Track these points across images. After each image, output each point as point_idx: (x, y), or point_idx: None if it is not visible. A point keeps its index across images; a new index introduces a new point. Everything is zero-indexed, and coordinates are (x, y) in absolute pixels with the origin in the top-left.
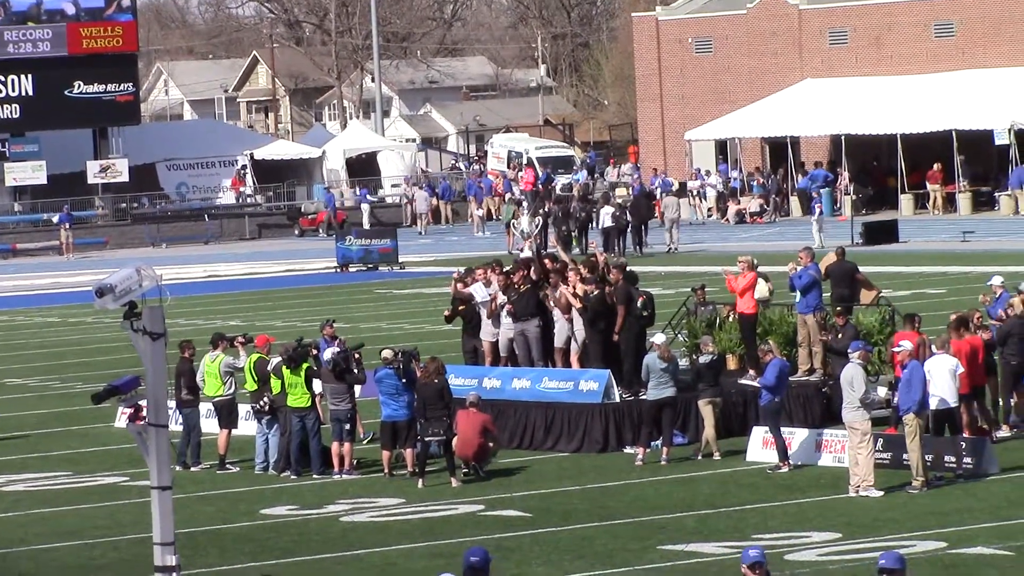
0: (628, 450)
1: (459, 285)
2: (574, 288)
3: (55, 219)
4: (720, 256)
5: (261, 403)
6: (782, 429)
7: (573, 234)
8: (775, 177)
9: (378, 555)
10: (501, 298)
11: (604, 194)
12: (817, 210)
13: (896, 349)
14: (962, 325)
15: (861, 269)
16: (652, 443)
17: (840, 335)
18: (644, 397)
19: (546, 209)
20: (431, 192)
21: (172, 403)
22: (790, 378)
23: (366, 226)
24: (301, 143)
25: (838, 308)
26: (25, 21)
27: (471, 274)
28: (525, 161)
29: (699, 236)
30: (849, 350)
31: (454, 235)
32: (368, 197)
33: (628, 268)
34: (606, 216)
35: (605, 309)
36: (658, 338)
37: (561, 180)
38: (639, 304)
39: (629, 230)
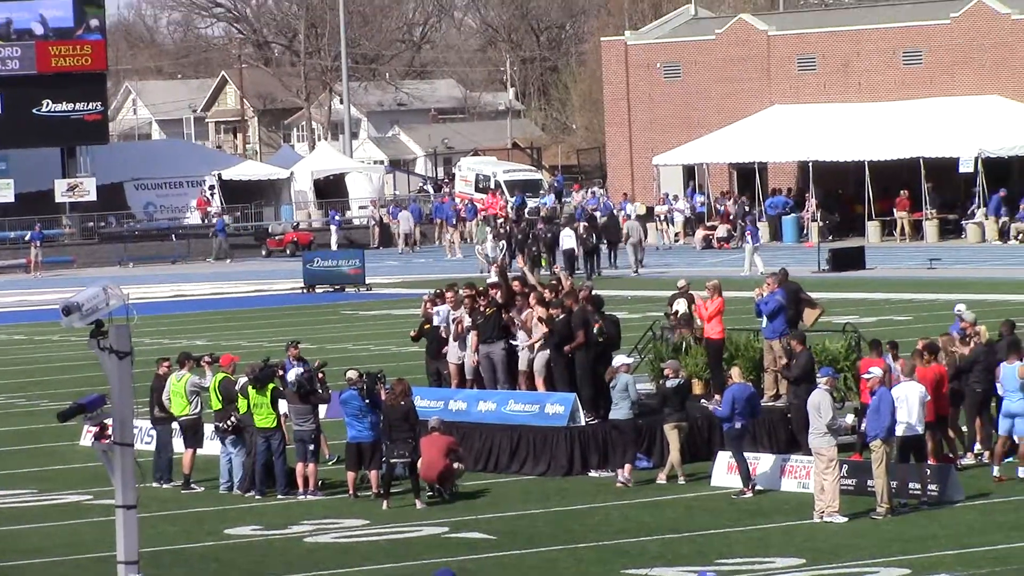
0: (593, 474)
1: (428, 305)
2: (538, 313)
3: (27, 237)
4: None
5: (227, 422)
6: (747, 455)
7: (542, 255)
8: (742, 202)
9: None
10: (467, 320)
11: (567, 217)
12: (750, 238)
13: (865, 376)
14: (928, 352)
15: (829, 296)
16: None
17: (795, 361)
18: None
19: (508, 230)
20: (418, 214)
21: (145, 422)
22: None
23: (334, 247)
24: (269, 164)
25: (793, 334)
26: None
27: (442, 296)
28: (492, 184)
29: (666, 260)
30: (819, 375)
31: (421, 257)
32: (337, 219)
33: (593, 292)
34: (567, 238)
35: (570, 333)
36: (616, 360)
37: (529, 203)
38: (595, 330)
39: (593, 253)
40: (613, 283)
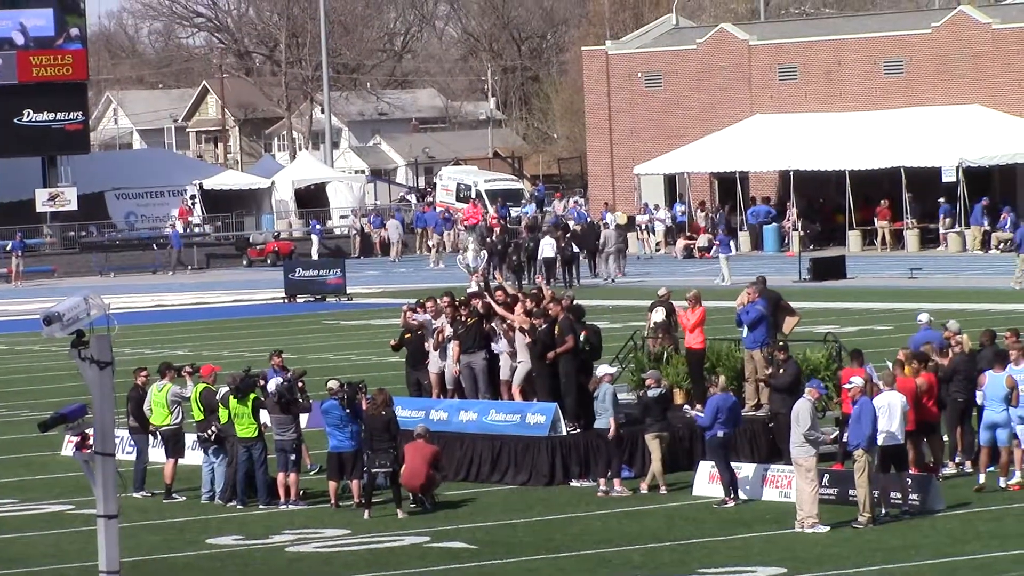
0: (574, 483)
1: (409, 315)
2: (520, 323)
3: (8, 246)
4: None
5: (208, 432)
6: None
7: (523, 264)
8: (723, 212)
9: None
10: (448, 330)
11: (546, 226)
12: (728, 247)
13: (847, 385)
14: (918, 361)
15: (810, 305)
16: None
17: (782, 370)
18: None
19: (492, 239)
20: (401, 223)
21: (124, 431)
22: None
23: (315, 257)
24: (250, 173)
25: (779, 343)
26: None
27: (422, 305)
28: (474, 194)
29: (647, 270)
30: (807, 386)
31: (403, 266)
32: (318, 228)
33: (575, 302)
34: (547, 247)
35: (552, 343)
36: (599, 370)
37: (510, 213)
38: (581, 339)
39: (571, 261)
40: (590, 292)
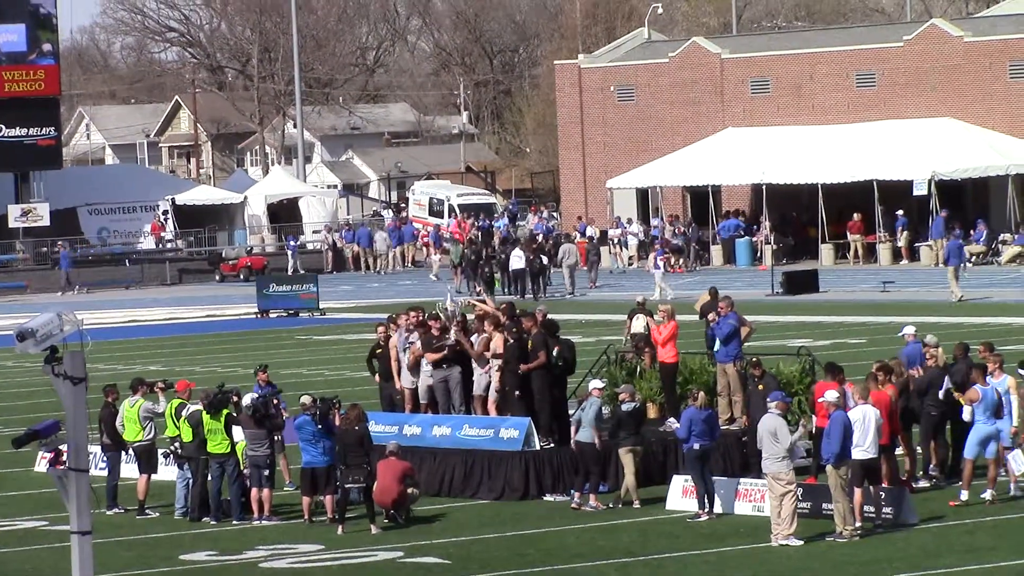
0: (548, 498)
1: (382, 331)
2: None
3: None
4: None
5: (172, 448)
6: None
7: (496, 276)
8: (695, 226)
9: None
10: (418, 344)
11: (515, 238)
12: (661, 263)
13: (822, 399)
14: (882, 374)
15: (782, 319)
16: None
17: (761, 386)
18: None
19: (467, 251)
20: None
21: (97, 447)
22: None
23: (291, 272)
24: (223, 188)
25: (753, 359)
26: None
27: (395, 321)
28: (447, 209)
29: (620, 284)
30: (768, 400)
31: (375, 281)
32: (293, 244)
33: (548, 316)
34: (516, 259)
35: (525, 357)
36: (590, 384)
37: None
38: (554, 354)
39: (540, 274)
40: (563, 306)
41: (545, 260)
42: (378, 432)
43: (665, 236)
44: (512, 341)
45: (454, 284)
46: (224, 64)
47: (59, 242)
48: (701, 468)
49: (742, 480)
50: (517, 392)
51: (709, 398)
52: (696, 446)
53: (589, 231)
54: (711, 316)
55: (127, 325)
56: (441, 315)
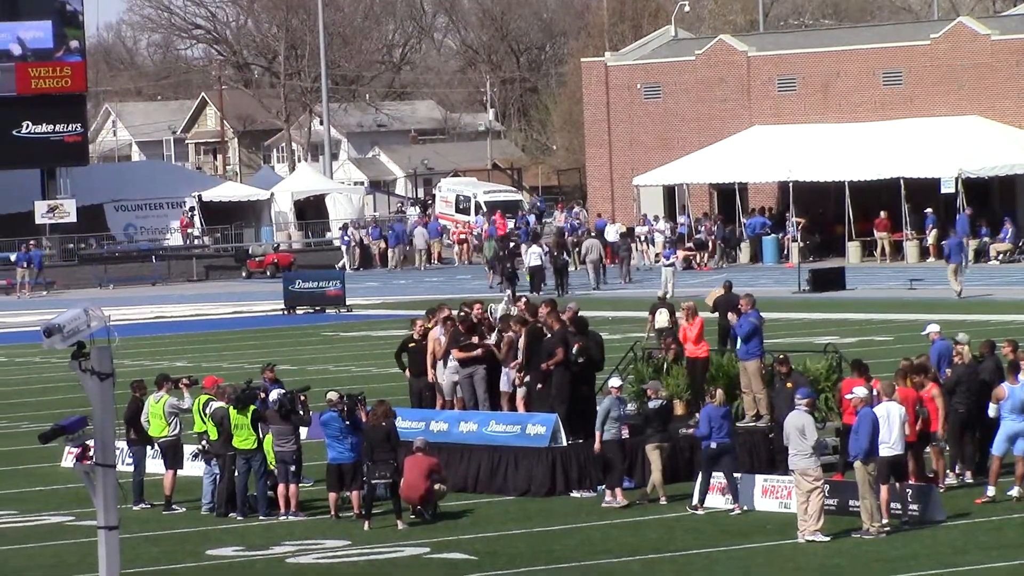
0: (574, 494)
1: (418, 323)
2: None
3: (12, 258)
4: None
5: (200, 446)
6: (720, 474)
7: (516, 272)
8: (721, 223)
9: None
10: (443, 341)
11: (536, 233)
12: (672, 259)
13: (849, 396)
14: (913, 372)
15: (809, 316)
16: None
17: (789, 383)
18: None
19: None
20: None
21: (123, 443)
22: (738, 424)
23: (348, 268)
24: (249, 185)
25: (780, 356)
26: None
27: (432, 315)
28: (473, 206)
29: (646, 280)
30: (796, 396)
31: (401, 278)
32: (346, 239)
33: (578, 313)
34: (532, 255)
35: (538, 352)
36: (611, 382)
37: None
38: (574, 351)
39: (562, 270)
40: (593, 303)
41: (567, 257)
42: (405, 428)
43: (679, 232)
44: (528, 338)
45: (502, 286)
46: (251, 61)
47: (31, 241)
48: (717, 466)
49: (768, 477)
50: (539, 386)
51: (726, 396)
52: (713, 444)
53: (610, 229)
54: (731, 316)
55: (154, 321)
56: (493, 318)
